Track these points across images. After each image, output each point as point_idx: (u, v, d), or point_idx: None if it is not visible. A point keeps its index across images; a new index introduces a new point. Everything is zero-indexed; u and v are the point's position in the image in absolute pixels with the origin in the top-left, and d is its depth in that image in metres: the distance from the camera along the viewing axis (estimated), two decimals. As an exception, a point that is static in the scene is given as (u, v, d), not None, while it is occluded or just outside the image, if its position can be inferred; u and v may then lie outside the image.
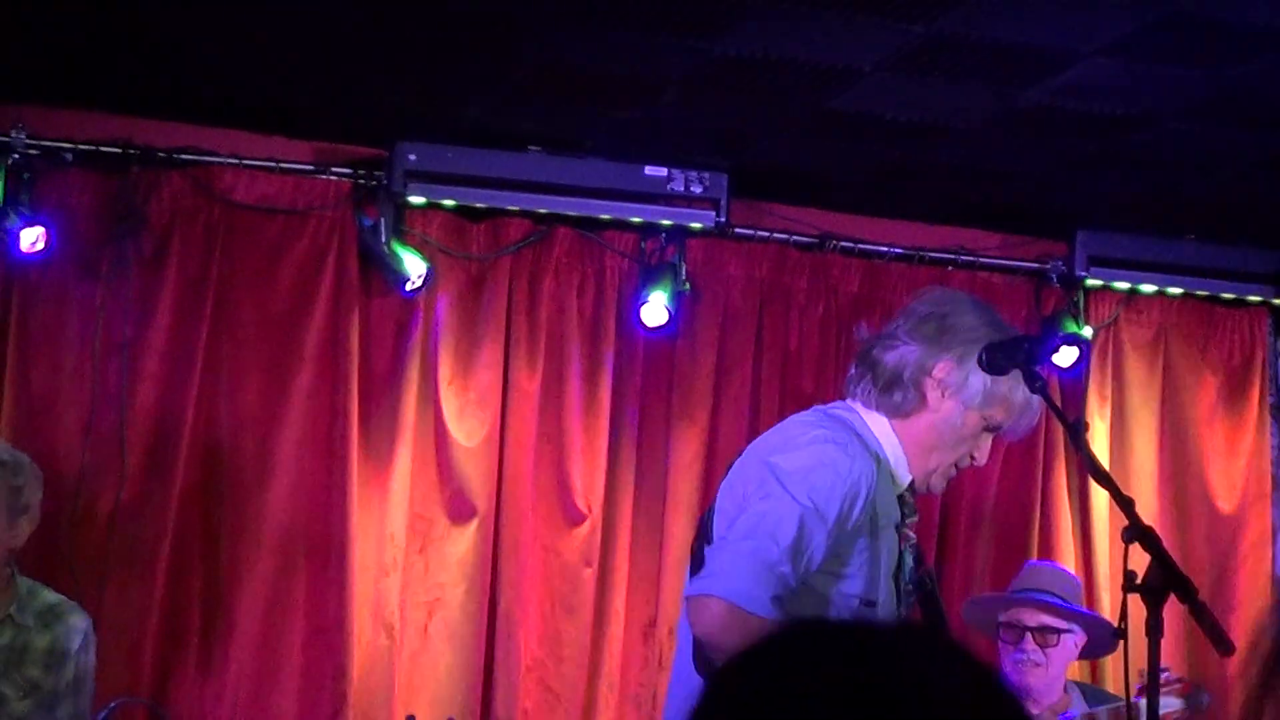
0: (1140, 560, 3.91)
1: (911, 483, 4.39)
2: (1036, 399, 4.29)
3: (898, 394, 4.35)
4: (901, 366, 4.35)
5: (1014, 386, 4.31)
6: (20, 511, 5.76)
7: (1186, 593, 3.88)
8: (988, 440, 4.37)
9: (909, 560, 4.37)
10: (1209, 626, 3.88)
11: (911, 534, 4.40)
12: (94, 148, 6.93)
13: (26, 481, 5.78)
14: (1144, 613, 3.89)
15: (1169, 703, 5.24)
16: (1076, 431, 4.31)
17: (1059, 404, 7.61)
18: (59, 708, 5.81)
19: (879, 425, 4.37)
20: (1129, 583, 3.94)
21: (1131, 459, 7.86)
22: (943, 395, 4.32)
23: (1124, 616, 3.99)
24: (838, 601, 4.24)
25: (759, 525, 4.13)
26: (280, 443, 7.11)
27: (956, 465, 4.39)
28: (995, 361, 4.28)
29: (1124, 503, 4.06)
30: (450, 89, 6.71)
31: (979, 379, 4.28)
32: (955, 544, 7.74)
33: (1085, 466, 4.27)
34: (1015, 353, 4.29)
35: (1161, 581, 3.89)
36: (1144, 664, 3.96)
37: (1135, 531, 3.96)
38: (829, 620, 1.67)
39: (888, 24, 5.79)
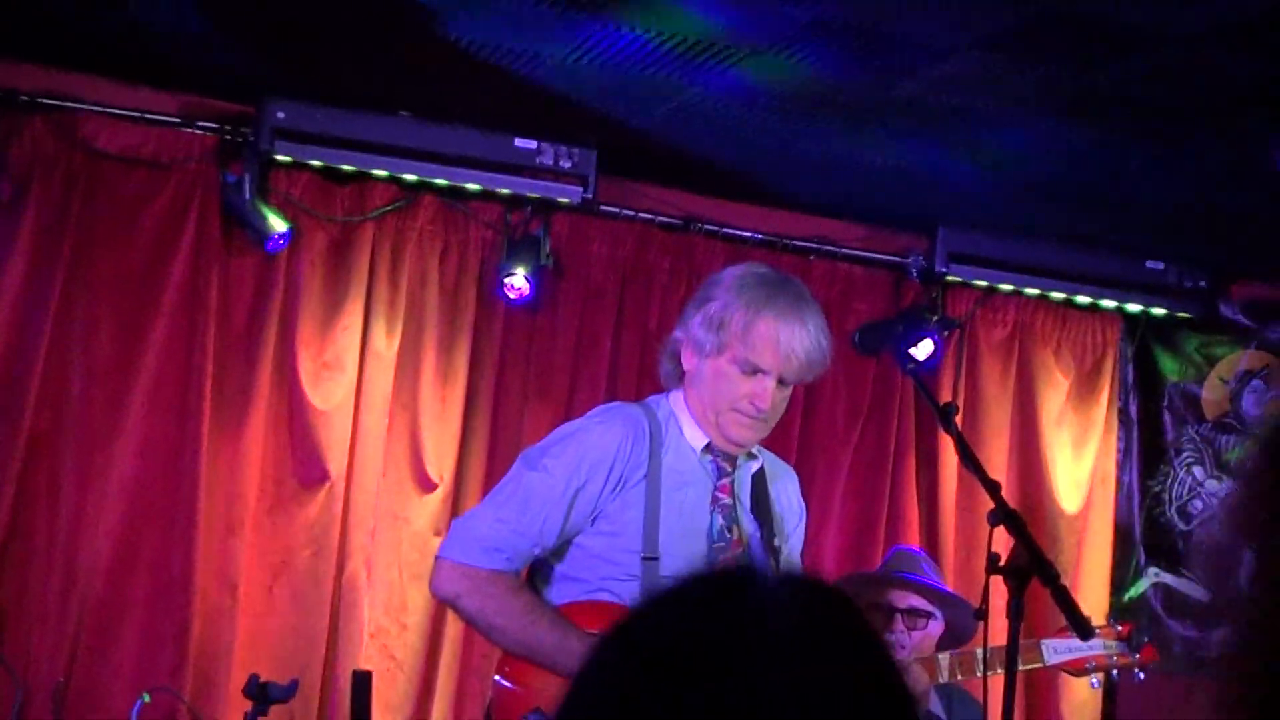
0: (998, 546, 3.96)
1: (710, 444, 4.74)
2: (786, 337, 4.59)
3: (664, 367, 4.87)
4: (669, 344, 4.87)
5: (747, 327, 4.60)
6: None
7: (1049, 576, 3.94)
8: (759, 382, 4.62)
9: (718, 519, 4.72)
10: (1069, 609, 3.95)
11: (722, 495, 4.76)
12: (-46, 88, 6.80)
13: None
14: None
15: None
16: (947, 415, 4.39)
17: (918, 395, 7.72)
18: None
19: (675, 399, 4.81)
20: (992, 565, 4.04)
21: (981, 456, 7.85)
22: (689, 354, 4.72)
23: (985, 598, 4.09)
24: (616, 557, 4.64)
25: (491, 496, 4.89)
26: (132, 397, 7.04)
27: (736, 410, 4.65)
28: (867, 341, 4.47)
29: (990, 486, 4.15)
30: (323, 49, 6.68)
31: (701, 332, 4.67)
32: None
33: (956, 449, 4.37)
34: (888, 333, 4.42)
35: (1025, 564, 3.95)
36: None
37: (1001, 514, 4.04)
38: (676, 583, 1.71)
39: (767, 4, 5.77)
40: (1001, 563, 4.00)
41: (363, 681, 4.91)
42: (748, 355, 4.58)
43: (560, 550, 4.71)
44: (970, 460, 4.32)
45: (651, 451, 4.68)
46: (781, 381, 4.63)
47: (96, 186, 7.03)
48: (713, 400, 4.65)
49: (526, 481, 4.67)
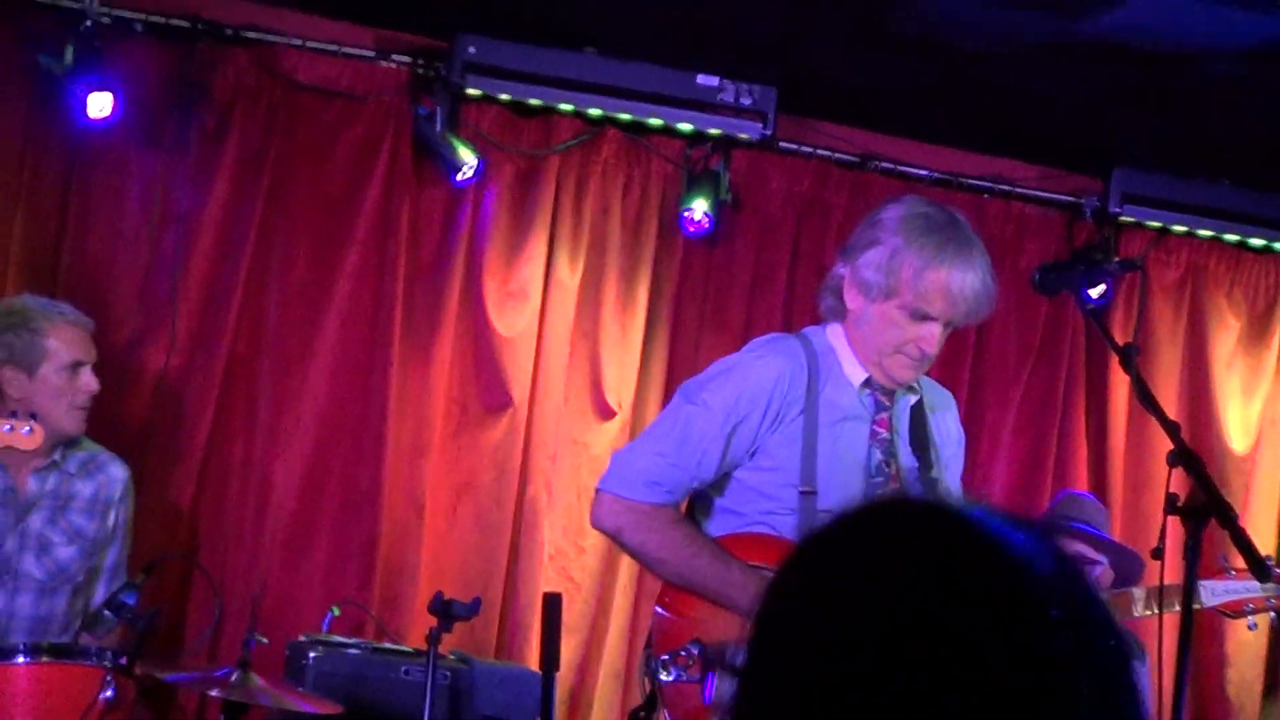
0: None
1: (869, 379, 4.68)
2: (959, 285, 4.50)
3: (826, 301, 4.76)
4: (830, 279, 4.76)
5: (917, 276, 4.50)
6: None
7: (1227, 517, 3.94)
8: (927, 328, 4.56)
9: (876, 453, 4.67)
10: (1248, 551, 3.94)
11: (880, 430, 4.71)
12: (163, 20, 6.99)
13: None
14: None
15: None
16: (1129, 356, 4.37)
17: (1090, 334, 7.65)
18: (104, 553, 5.99)
19: (834, 333, 4.72)
20: (1170, 505, 4.02)
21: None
22: (855, 295, 4.62)
23: (1162, 538, 4.09)
24: (774, 491, 4.62)
25: (650, 430, 4.94)
26: (325, 321, 7.21)
27: (903, 352, 4.59)
28: (1048, 281, 4.46)
29: (1170, 427, 4.14)
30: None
31: (869, 274, 4.56)
32: (973, 466, 7.74)
33: (1135, 390, 4.35)
34: (1069, 273, 4.40)
35: (1204, 506, 3.94)
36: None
37: (1181, 456, 4.02)
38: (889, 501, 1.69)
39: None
40: (1180, 503, 3.99)
41: (553, 603, 4.99)
42: (919, 304, 4.51)
43: (720, 483, 4.70)
44: (1149, 401, 4.31)
45: (809, 385, 4.63)
46: (948, 324, 4.58)
47: (295, 117, 7.18)
48: (879, 343, 4.60)
49: (685, 415, 4.65)
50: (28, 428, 5.22)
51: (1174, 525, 4.07)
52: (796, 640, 1.53)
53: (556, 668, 5.01)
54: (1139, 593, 5.54)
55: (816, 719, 1.47)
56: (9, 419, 5.21)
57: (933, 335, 4.55)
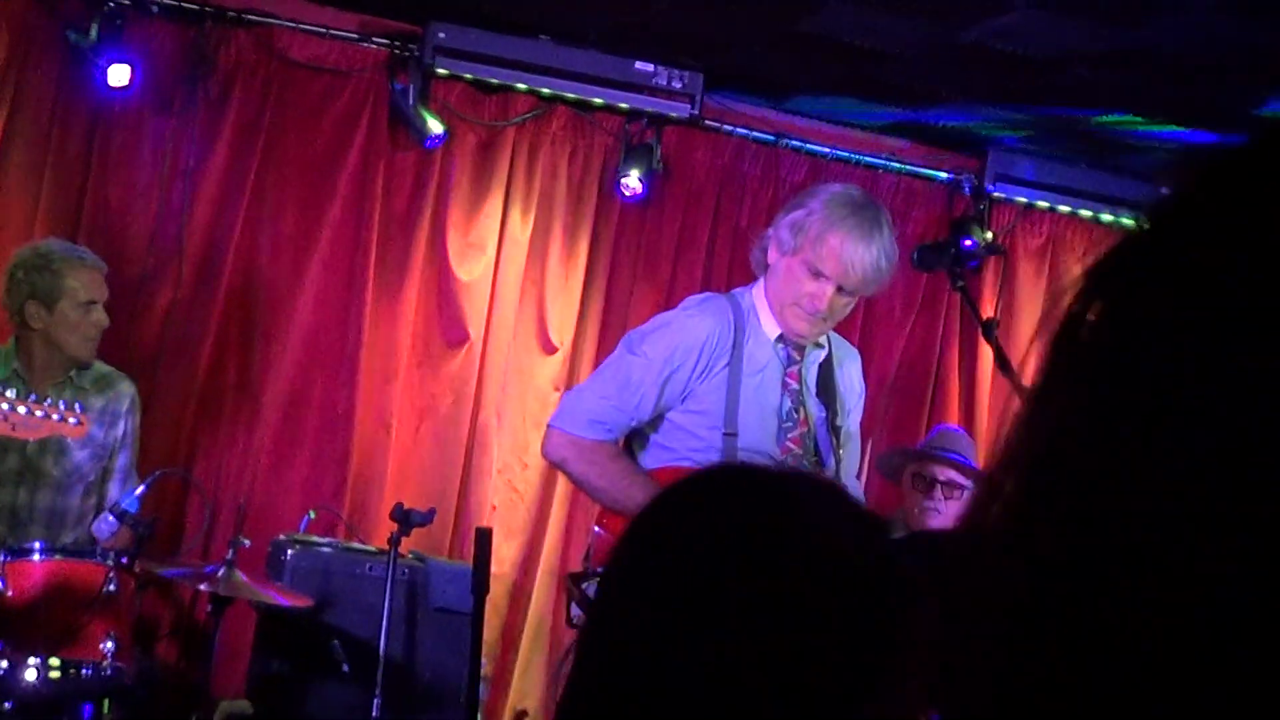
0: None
1: (782, 335, 4.71)
2: (850, 252, 4.52)
3: (755, 256, 4.82)
4: (762, 238, 4.80)
5: (819, 238, 4.53)
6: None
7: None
8: (819, 285, 4.59)
9: (787, 402, 4.70)
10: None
11: (791, 381, 4.74)
12: (176, 3, 7.02)
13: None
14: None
15: None
16: (989, 329, 4.43)
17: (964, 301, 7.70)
18: (113, 458, 6.07)
19: (757, 293, 4.77)
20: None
21: (1016, 350, 7.89)
22: (773, 249, 4.69)
23: None
24: (701, 432, 4.67)
25: (596, 375, 4.97)
26: (310, 264, 7.26)
27: (798, 305, 4.63)
28: (925, 259, 4.49)
29: (1023, 392, 4.14)
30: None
31: (785, 233, 4.62)
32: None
33: (995, 359, 4.40)
34: (943, 254, 4.45)
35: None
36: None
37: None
38: (730, 466, 1.78)
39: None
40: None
41: (484, 537, 4.96)
42: (814, 260, 4.57)
43: (654, 423, 4.77)
44: (1006, 368, 4.39)
45: (735, 340, 4.69)
46: (842, 289, 4.61)
47: (287, 89, 7.22)
48: (779, 294, 4.67)
49: (627, 364, 4.72)
50: (75, 419, 5.25)
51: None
52: (633, 582, 1.57)
53: (486, 592, 4.97)
54: None
55: (642, 651, 1.50)
56: (58, 408, 5.21)
57: (823, 293, 4.58)
